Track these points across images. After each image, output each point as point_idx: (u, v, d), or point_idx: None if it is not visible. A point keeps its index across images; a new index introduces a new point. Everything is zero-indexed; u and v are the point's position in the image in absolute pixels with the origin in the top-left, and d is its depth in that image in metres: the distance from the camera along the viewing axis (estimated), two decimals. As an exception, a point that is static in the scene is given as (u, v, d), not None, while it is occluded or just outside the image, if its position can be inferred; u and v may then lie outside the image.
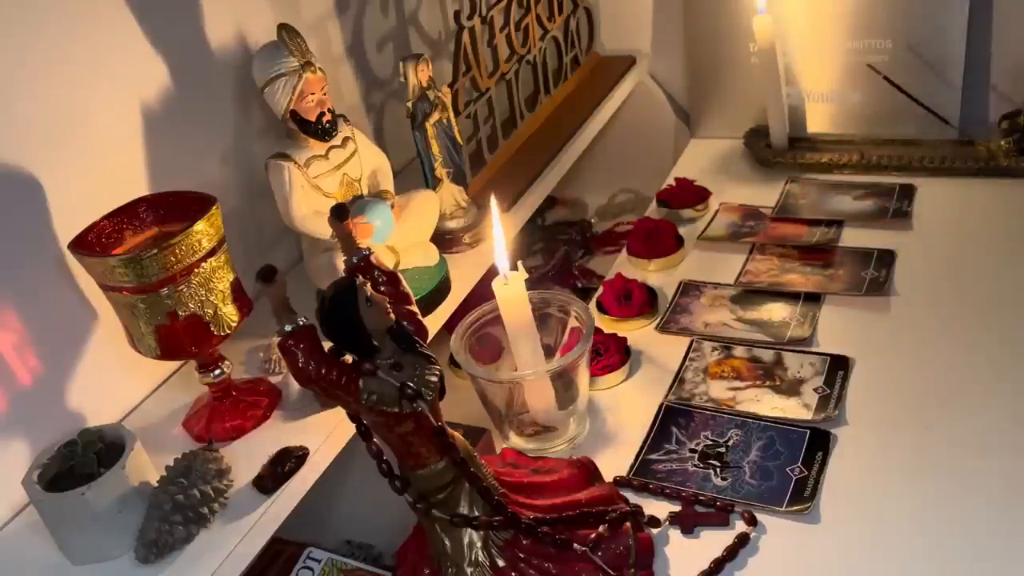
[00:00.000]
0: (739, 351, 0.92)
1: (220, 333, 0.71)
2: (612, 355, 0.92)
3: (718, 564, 0.70)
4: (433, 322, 0.86)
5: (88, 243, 0.69)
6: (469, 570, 0.69)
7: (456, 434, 0.69)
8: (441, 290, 0.89)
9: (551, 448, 0.85)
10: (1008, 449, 0.75)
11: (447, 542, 0.69)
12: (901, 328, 0.91)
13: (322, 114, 0.79)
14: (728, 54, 1.28)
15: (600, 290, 1.03)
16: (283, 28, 0.78)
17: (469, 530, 0.69)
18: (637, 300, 0.98)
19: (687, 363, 0.92)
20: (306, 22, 0.96)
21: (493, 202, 0.82)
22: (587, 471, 0.79)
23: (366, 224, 0.81)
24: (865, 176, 1.18)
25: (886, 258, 1.01)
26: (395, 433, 0.66)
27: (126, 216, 0.72)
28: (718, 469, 0.79)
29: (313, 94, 0.78)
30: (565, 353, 0.85)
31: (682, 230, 1.11)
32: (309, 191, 0.81)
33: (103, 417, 0.76)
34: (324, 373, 0.64)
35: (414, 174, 1.01)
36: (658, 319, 0.99)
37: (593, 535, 0.71)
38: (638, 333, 0.97)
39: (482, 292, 0.87)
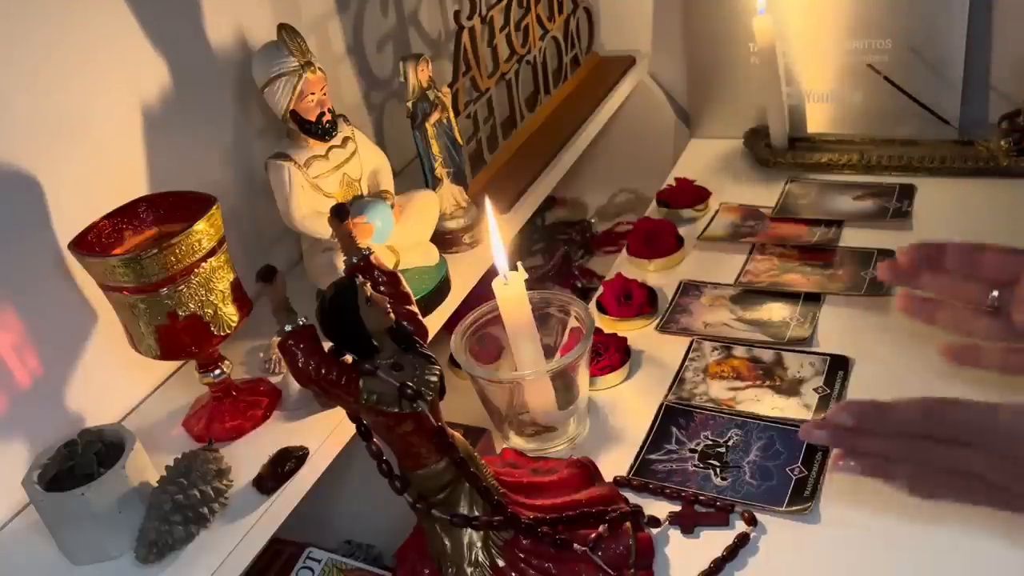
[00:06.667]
0: (739, 351, 0.92)
1: (220, 333, 0.71)
2: (612, 355, 0.92)
3: (718, 564, 0.70)
4: (433, 322, 0.86)
5: (88, 243, 0.69)
6: (469, 570, 0.69)
7: (456, 434, 0.69)
8: (441, 290, 0.89)
9: (551, 448, 0.85)
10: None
11: (447, 542, 0.69)
12: (901, 328, 0.91)
13: (322, 114, 0.79)
14: (728, 54, 1.28)
15: (600, 290, 1.03)
16: (283, 28, 0.78)
17: (469, 530, 0.69)
18: (637, 300, 0.98)
19: (687, 363, 0.92)
20: (306, 22, 0.96)
21: (488, 204, 0.82)
22: (587, 471, 0.79)
23: (366, 224, 0.81)
24: (865, 176, 1.18)
25: (886, 258, 1.01)
26: (395, 433, 0.66)
27: (126, 216, 0.72)
28: (718, 469, 0.79)
29: (313, 94, 0.78)
30: (565, 353, 0.85)
31: (682, 230, 1.11)
32: (309, 191, 0.81)
33: (103, 417, 0.76)
34: (324, 373, 0.64)
35: (414, 174, 1.01)
36: (658, 319, 0.99)
37: (593, 535, 0.71)
38: (638, 333, 0.97)
39: (482, 292, 0.87)
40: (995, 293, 0.62)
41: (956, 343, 0.65)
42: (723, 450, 0.81)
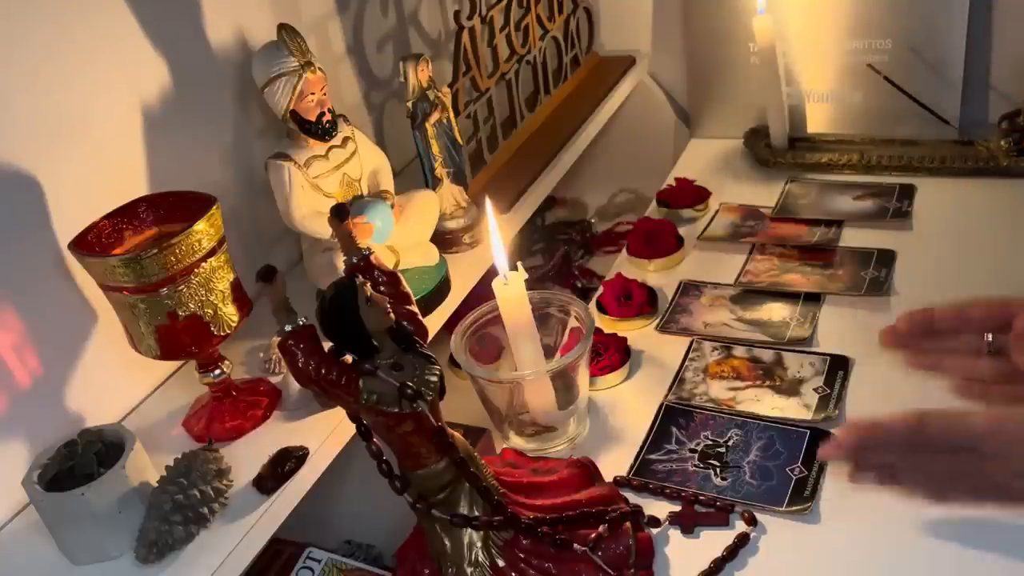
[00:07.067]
0: (739, 351, 0.92)
1: (220, 333, 0.71)
2: (612, 355, 0.92)
3: (718, 564, 0.70)
4: (433, 322, 0.86)
5: (88, 243, 0.69)
6: (469, 570, 0.69)
7: (456, 434, 0.69)
8: (441, 290, 0.89)
9: (551, 448, 0.85)
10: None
11: (447, 542, 0.69)
12: (901, 328, 0.91)
13: (322, 114, 0.79)
14: (728, 54, 1.28)
15: (600, 290, 1.03)
16: (283, 28, 0.78)
17: (469, 530, 0.69)
18: (637, 300, 0.98)
19: (687, 363, 0.92)
20: (306, 22, 0.96)
21: (488, 204, 0.82)
22: (587, 471, 0.79)
23: (366, 224, 0.81)
24: (865, 176, 1.18)
25: (886, 258, 1.01)
26: (395, 433, 0.66)
27: (126, 216, 0.72)
28: (718, 469, 0.79)
29: (313, 94, 0.78)
30: (565, 353, 0.85)
31: (682, 230, 1.11)
32: (309, 191, 0.81)
33: (103, 417, 0.76)
34: (324, 373, 0.64)
35: (414, 174, 1.01)
36: (658, 319, 0.99)
37: (593, 535, 0.71)
38: (638, 333, 0.97)
39: (482, 292, 0.87)
40: (989, 337, 0.69)
41: (964, 383, 0.72)
42: (723, 450, 0.81)
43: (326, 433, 0.75)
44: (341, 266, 0.77)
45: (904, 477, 0.65)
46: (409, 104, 0.92)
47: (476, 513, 0.68)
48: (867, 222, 1.08)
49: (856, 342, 0.90)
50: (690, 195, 1.17)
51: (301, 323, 0.64)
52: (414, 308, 0.71)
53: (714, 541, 0.73)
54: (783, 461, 0.78)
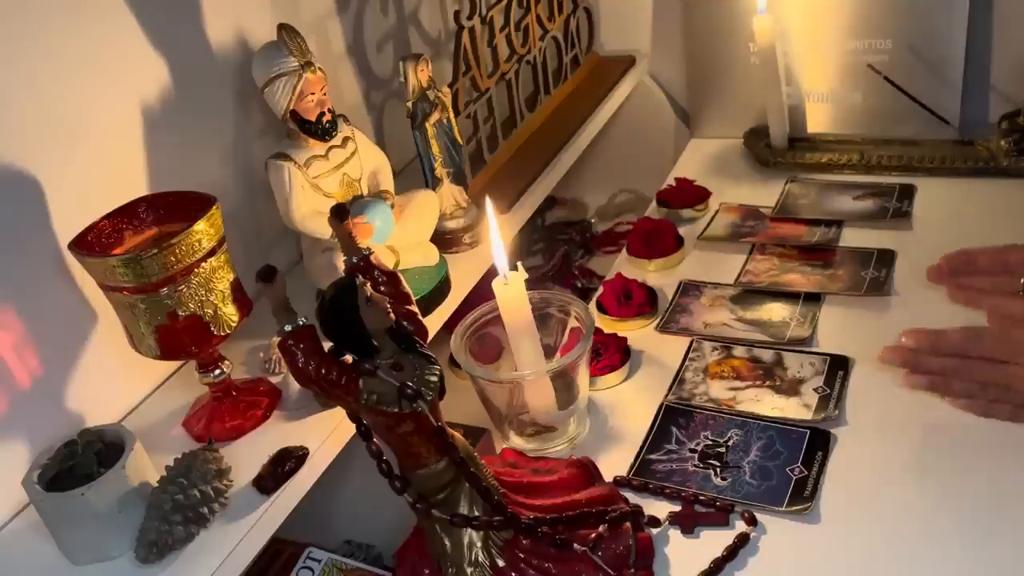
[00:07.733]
0: (739, 351, 0.92)
1: (220, 333, 0.71)
2: (612, 355, 0.92)
3: (718, 564, 0.70)
4: (433, 322, 0.86)
5: (88, 243, 0.69)
6: (469, 570, 0.69)
7: (456, 434, 0.69)
8: (441, 290, 0.89)
9: (551, 448, 0.85)
10: (1008, 448, 0.75)
11: (447, 542, 0.69)
12: (901, 328, 0.91)
13: (322, 114, 0.79)
14: (728, 54, 1.28)
15: (600, 290, 1.03)
16: (283, 28, 0.78)
17: (469, 530, 0.69)
18: (637, 300, 0.98)
19: (687, 363, 0.92)
20: (306, 22, 0.96)
21: (489, 204, 0.82)
22: (587, 471, 0.79)
23: (366, 224, 0.81)
24: (865, 176, 1.18)
25: (886, 258, 1.01)
26: (395, 433, 0.66)
27: (126, 216, 0.72)
28: (718, 469, 0.79)
29: (313, 94, 0.78)
30: (565, 353, 0.85)
31: (682, 230, 1.11)
32: (309, 191, 0.81)
33: (103, 417, 0.76)
34: (324, 373, 0.64)
35: (414, 174, 1.02)
36: (658, 319, 0.99)
37: (593, 535, 0.71)
38: (638, 333, 0.97)
39: (482, 292, 0.87)
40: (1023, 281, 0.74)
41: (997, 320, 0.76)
42: (723, 450, 0.81)
43: (326, 433, 0.75)
44: (341, 266, 0.77)
45: (954, 384, 0.72)
46: (409, 104, 0.92)
47: (476, 513, 0.68)
48: (867, 222, 1.08)
49: (856, 342, 0.90)
50: (690, 195, 1.17)
51: (301, 323, 0.64)
52: (414, 308, 0.71)
53: (714, 541, 0.73)
54: (783, 461, 0.78)
